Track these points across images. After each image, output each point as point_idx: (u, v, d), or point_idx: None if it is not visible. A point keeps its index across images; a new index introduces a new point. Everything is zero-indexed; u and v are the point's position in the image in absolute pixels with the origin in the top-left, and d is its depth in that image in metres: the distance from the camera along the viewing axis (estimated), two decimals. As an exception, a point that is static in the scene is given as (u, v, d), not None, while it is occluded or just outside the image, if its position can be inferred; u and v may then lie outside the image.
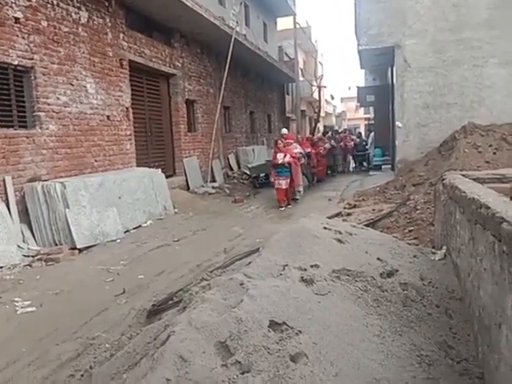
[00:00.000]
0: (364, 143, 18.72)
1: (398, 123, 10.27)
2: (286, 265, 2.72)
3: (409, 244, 4.20)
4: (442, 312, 2.64)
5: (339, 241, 3.03)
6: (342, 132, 20.90)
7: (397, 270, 2.88)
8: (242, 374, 1.90)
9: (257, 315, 2.15)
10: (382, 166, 15.69)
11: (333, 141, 16.31)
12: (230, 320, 2.11)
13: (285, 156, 9.38)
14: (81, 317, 3.94)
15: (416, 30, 9.91)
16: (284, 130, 11.62)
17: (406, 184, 8.20)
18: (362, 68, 15.98)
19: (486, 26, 9.43)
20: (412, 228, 5.17)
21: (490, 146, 7.66)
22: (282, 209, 9.25)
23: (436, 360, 2.26)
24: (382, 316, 2.50)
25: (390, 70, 13.22)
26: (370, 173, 15.16)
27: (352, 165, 18.48)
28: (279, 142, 9.67)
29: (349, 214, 7.06)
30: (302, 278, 2.54)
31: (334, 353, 2.10)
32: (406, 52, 10.05)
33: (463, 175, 3.83)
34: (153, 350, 2.24)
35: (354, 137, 19.44)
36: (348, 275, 2.67)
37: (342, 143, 17.21)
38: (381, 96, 16.34)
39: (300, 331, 2.14)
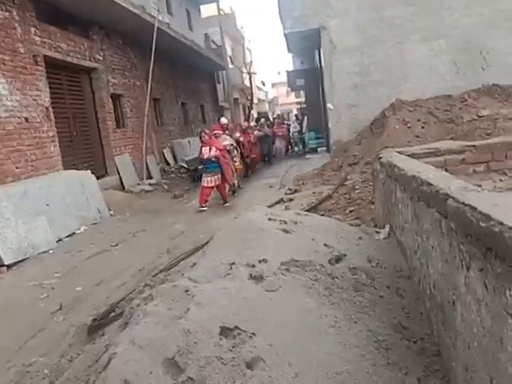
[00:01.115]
0: (301, 126, 19.04)
1: (329, 105, 10.38)
2: (233, 263, 2.58)
3: (351, 225, 4.22)
4: (393, 293, 2.62)
5: (285, 231, 2.92)
6: (275, 119, 21.22)
7: (344, 255, 2.84)
8: (196, 390, 1.74)
9: (206, 324, 1.99)
10: (318, 149, 15.95)
11: (266, 128, 16.23)
12: (177, 333, 1.94)
13: (210, 150, 8.40)
14: (14, 342, 3.59)
15: (339, 10, 9.98)
16: (223, 120, 10.95)
17: (342, 165, 8.32)
18: (289, 52, 16.01)
19: (405, 3, 9.68)
20: (352, 208, 5.22)
21: (418, 120, 7.93)
22: (204, 208, 8.25)
23: (393, 343, 2.23)
24: (336, 305, 2.43)
25: (317, 52, 13.33)
26: (307, 156, 15.34)
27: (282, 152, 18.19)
28: (203, 134, 8.70)
29: (290, 200, 7.04)
30: (251, 275, 2.41)
31: (291, 352, 1.99)
32: (332, 33, 10.11)
33: (399, 152, 3.87)
34: (94, 375, 2.02)
35: (290, 122, 19.83)
36: (297, 266, 2.58)
37: (273, 131, 17.27)
38: (310, 79, 16.53)
39: (254, 334, 2.01)
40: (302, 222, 3.14)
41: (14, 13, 7.97)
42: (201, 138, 8.68)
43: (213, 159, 8.31)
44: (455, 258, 1.77)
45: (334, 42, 10.11)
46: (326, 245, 2.85)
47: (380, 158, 3.70)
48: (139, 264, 5.27)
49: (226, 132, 10.28)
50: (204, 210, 8.20)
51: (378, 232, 3.43)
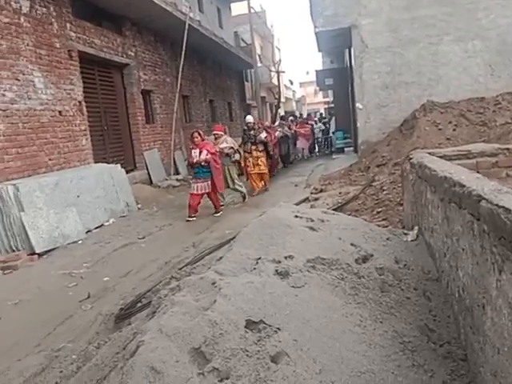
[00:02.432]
0: (327, 126, 18.82)
1: (358, 105, 10.28)
2: (259, 258, 2.59)
3: (379, 226, 4.17)
4: (420, 295, 2.59)
5: (312, 229, 2.92)
6: (298, 118, 20.74)
7: (372, 255, 2.81)
8: (221, 381, 1.76)
9: (232, 316, 2.01)
10: (345, 149, 15.81)
11: (286, 128, 15.10)
12: (204, 324, 1.96)
13: (200, 153, 7.40)
14: (43, 327, 3.70)
15: (371, 9, 9.88)
16: (249, 118, 10.09)
17: (370, 165, 8.23)
18: (319, 51, 15.94)
19: (439, 3, 9.51)
20: (380, 209, 5.16)
21: (450, 122, 7.78)
22: (193, 218, 7.38)
23: (419, 345, 2.21)
24: (361, 304, 2.42)
25: (347, 51, 13.21)
26: (334, 156, 15.23)
27: (305, 152, 17.19)
28: (196, 135, 7.59)
29: (316, 199, 7.02)
30: (277, 270, 2.42)
31: (315, 348, 1.99)
32: (363, 32, 10.02)
33: (429, 153, 3.80)
34: (122, 361, 2.07)
35: (313, 123, 19.16)
36: (323, 264, 2.57)
37: (295, 130, 16.06)
38: (339, 78, 16.39)
39: (279, 328, 2.02)
40: (328, 220, 3.13)
41: (52, 9, 8.20)
42: (192, 138, 7.67)
43: (203, 163, 7.39)
44: (487, 260, 1.74)
45: (365, 42, 10.01)
46: (352, 244, 2.84)
47: (410, 158, 3.65)
48: (165, 257, 5.36)
49: (251, 132, 9.48)
50: (191, 220, 7.35)
51: (406, 233, 3.39)
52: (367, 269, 2.65)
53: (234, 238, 4.48)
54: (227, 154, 8.34)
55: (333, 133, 17.90)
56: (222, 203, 8.12)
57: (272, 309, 2.14)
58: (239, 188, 8.63)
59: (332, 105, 23.03)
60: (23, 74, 7.29)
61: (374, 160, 8.39)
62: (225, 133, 9.21)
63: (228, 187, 8.44)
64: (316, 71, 19.49)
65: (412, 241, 3.25)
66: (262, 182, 9.64)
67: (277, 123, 17.38)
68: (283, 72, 28.65)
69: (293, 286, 2.34)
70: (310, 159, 16.44)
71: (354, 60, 10.39)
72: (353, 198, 6.23)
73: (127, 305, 3.64)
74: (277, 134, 13.23)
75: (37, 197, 6.13)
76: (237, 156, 8.65)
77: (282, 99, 30.23)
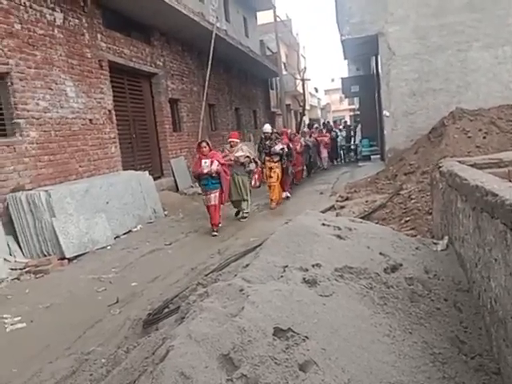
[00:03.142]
0: (352, 134, 18.60)
1: (385, 112, 10.20)
2: (286, 266, 2.59)
3: (407, 235, 4.11)
4: (450, 306, 2.54)
5: (339, 237, 2.91)
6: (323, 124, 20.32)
7: (401, 264, 2.78)
8: (249, 388, 1.77)
9: (260, 323, 2.02)
10: (371, 157, 15.66)
11: (308, 137, 14.65)
12: (232, 330, 1.97)
13: (211, 163, 6.99)
14: (74, 331, 3.79)
15: (398, 16, 9.83)
16: (266, 127, 9.45)
17: (398, 173, 8.13)
18: (345, 58, 15.89)
19: (468, 9, 9.39)
20: (408, 218, 5.08)
21: (480, 130, 7.62)
22: (216, 233, 6.98)
23: (449, 357, 2.16)
24: (390, 314, 2.39)
25: (373, 58, 13.14)
26: (360, 164, 15.11)
27: (325, 161, 16.19)
28: (203, 144, 7.17)
29: (342, 207, 6.97)
30: (304, 279, 2.42)
31: (344, 358, 1.98)
32: (390, 39, 9.97)
33: (459, 161, 3.74)
34: (151, 366, 2.10)
35: (337, 130, 18.71)
36: (351, 273, 2.56)
37: (314, 138, 15.26)
38: (365, 86, 16.30)
39: (307, 337, 2.01)
40: (356, 228, 3.10)
41: (84, 20, 8.45)
42: (200, 148, 7.17)
43: (214, 174, 6.99)
44: (521, 271, 1.70)
45: (392, 49, 9.94)
46: (381, 253, 2.81)
47: (440, 167, 3.59)
48: (191, 263, 5.42)
49: (267, 142, 8.97)
50: (217, 234, 6.99)
51: (435, 243, 3.33)
52: (396, 278, 2.62)
53: (259, 245, 4.50)
54: (242, 163, 7.87)
55: (360, 141, 17.71)
56: (246, 215, 7.90)
57: (300, 317, 2.13)
58: (246, 206, 8.00)
59: (358, 112, 22.85)
60: (56, 84, 7.53)
61: (402, 168, 8.28)
62: (240, 139, 8.95)
63: (238, 200, 7.95)
64: (342, 78, 19.40)
65: (442, 250, 3.19)
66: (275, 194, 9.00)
67: (305, 129, 17.32)
68: (308, 80, 28.64)
69: (321, 295, 2.33)
70: (331, 168, 15.91)
71: (381, 67, 10.32)
72: (380, 206, 6.17)
73: (155, 310, 3.69)
74: (302, 141, 12.92)
75: (67, 203, 6.30)
76: (252, 166, 8.06)
77: (307, 107, 30.20)
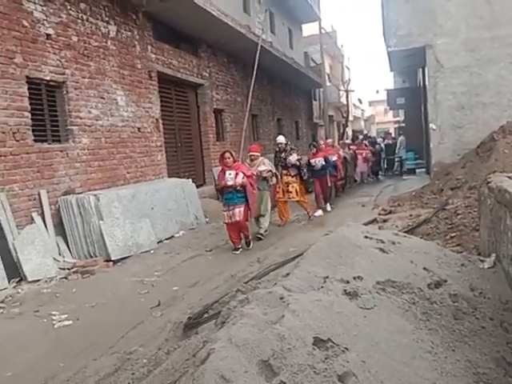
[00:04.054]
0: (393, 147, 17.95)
1: (431, 125, 9.97)
2: (327, 277, 2.60)
3: (452, 251, 4.00)
4: (496, 325, 2.46)
5: (382, 250, 2.88)
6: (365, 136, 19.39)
7: (445, 281, 2.71)
8: (288, 395, 1.79)
9: (300, 332, 2.03)
10: (416, 170, 15.31)
11: (346, 149, 13.99)
12: (272, 337, 2.00)
13: (236, 175, 6.42)
14: (117, 330, 3.92)
15: (447, 28, 9.63)
16: (280, 138, 8.69)
17: (444, 188, 7.90)
18: (391, 70, 15.68)
19: (522, 21, 9.08)
20: (454, 234, 4.94)
21: (532, 145, 7.30)
22: (237, 252, 6.50)
23: (494, 378, 2.10)
24: (433, 330, 2.34)
25: (420, 71, 12.91)
26: (404, 177, 14.80)
27: (364, 176, 15.15)
28: (226, 155, 6.53)
29: (384, 221, 6.84)
30: (345, 290, 2.41)
31: (383, 372, 1.96)
32: (438, 52, 9.78)
33: (509, 177, 3.62)
34: (192, 368, 2.15)
35: (380, 142, 17.68)
36: (394, 287, 2.53)
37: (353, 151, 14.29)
38: (411, 98, 16.03)
39: (346, 348, 2.01)
40: (400, 242, 3.06)
41: (135, 32, 8.82)
42: (223, 159, 6.58)
43: (238, 188, 6.42)
44: None
45: (440, 61, 9.74)
46: (425, 268, 2.76)
47: (488, 182, 3.49)
48: (231, 270, 5.49)
49: (282, 154, 8.34)
50: (238, 252, 6.52)
51: (482, 260, 3.23)
52: (440, 295, 2.56)
53: (299, 255, 4.51)
54: (264, 178, 7.35)
55: (395, 153, 17.16)
56: (262, 232, 7.28)
57: (340, 328, 2.13)
58: (263, 221, 7.44)
59: (403, 124, 22.44)
60: (108, 93, 7.88)
61: (448, 182, 8.05)
62: (261, 152, 7.98)
63: (260, 215, 7.42)
64: (387, 90, 19.18)
65: (489, 268, 3.09)
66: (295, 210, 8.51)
67: (347, 141, 17.00)
68: (352, 91, 28.46)
69: (361, 307, 2.32)
70: (370, 183, 14.85)
71: (428, 80, 10.12)
72: (424, 221, 6.02)
73: (195, 314, 3.76)
74: (341, 153, 12.38)
75: (115, 207, 6.54)
76: (274, 180, 7.61)
77: (350, 118, 29.95)
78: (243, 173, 6.50)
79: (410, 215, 6.84)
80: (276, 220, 8.31)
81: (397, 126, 32.73)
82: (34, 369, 3.36)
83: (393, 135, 23.03)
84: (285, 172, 8.24)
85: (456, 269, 2.94)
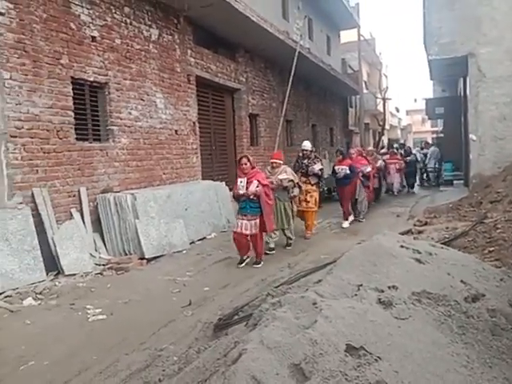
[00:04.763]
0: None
1: (471, 136, 9.72)
2: (361, 285, 2.58)
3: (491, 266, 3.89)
4: (537, 344, 2.37)
5: (418, 261, 2.83)
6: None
7: (483, 295, 2.64)
8: (319, 400, 1.79)
9: (333, 338, 2.02)
10: (454, 182, 14.92)
11: (384, 157, 13.40)
12: (305, 341, 2.00)
13: (250, 183, 5.88)
14: (149, 327, 4.00)
15: (492, 37, 9.39)
16: (306, 143, 8.18)
17: (483, 201, 7.68)
18: (431, 79, 15.38)
19: None
20: (492, 248, 4.78)
21: None
22: (242, 265, 6.02)
23: (534, 399, 2.02)
24: (469, 345, 2.28)
25: (461, 80, 12.61)
26: (441, 188, 14.45)
27: (396, 187, 14.06)
28: (243, 160, 6.05)
29: (420, 232, 6.70)
30: (380, 299, 2.38)
31: (416, 383, 1.93)
32: (481, 61, 9.54)
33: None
34: (223, 367, 2.18)
35: (416, 152, 16.78)
36: (429, 298, 2.48)
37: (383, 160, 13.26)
38: (451, 108, 15.66)
39: (379, 357, 1.99)
40: (437, 253, 3.00)
41: (176, 36, 9.01)
42: (240, 164, 6.12)
43: (252, 197, 5.90)
44: None
45: (482, 71, 9.50)
46: (462, 281, 2.69)
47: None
48: (261, 274, 5.51)
49: (305, 161, 7.86)
50: (242, 265, 6.03)
51: (522, 276, 3.12)
52: (477, 309, 2.50)
53: (330, 263, 4.48)
54: (285, 188, 6.87)
55: (434, 164, 16.64)
56: (269, 248, 6.71)
57: (373, 337, 2.11)
58: (289, 233, 7.06)
59: (441, 135, 21.93)
60: (147, 95, 8.07)
61: (487, 195, 7.81)
62: (283, 160, 7.33)
63: (282, 228, 6.97)
64: (426, 99, 18.82)
65: (530, 285, 2.99)
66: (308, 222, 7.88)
67: (383, 150, 16.54)
68: (389, 99, 28.04)
69: (396, 317, 2.29)
70: (402, 195, 13.99)
71: (470, 89, 9.89)
72: (461, 234, 5.86)
73: (225, 316, 3.79)
74: (378, 163, 12.13)
75: (150, 207, 6.68)
76: (296, 191, 7.09)
77: (387, 126, 29.52)
78: (258, 181, 5.92)
79: (447, 227, 6.67)
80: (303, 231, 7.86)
81: (435, 136, 32.04)
82: (68, 359, 3.47)
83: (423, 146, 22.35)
84: (304, 179, 7.76)
85: (495, 283, 2.85)
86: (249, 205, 5.91)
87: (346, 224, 8.73)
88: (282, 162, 7.10)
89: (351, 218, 8.95)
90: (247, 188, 5.86)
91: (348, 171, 8.58)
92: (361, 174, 9.18)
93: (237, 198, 6.12)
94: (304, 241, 7.54)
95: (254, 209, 5.90)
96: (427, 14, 10.33)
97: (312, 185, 7.80)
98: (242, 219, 5.92)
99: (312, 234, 7.85)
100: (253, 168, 6.09)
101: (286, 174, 6.91)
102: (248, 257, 6.14)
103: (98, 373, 3.23)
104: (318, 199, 7.91)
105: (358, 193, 9.07)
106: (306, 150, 7.92)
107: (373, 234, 3.76)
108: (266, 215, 5.97)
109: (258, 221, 5.90)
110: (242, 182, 5.93)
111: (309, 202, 7.75)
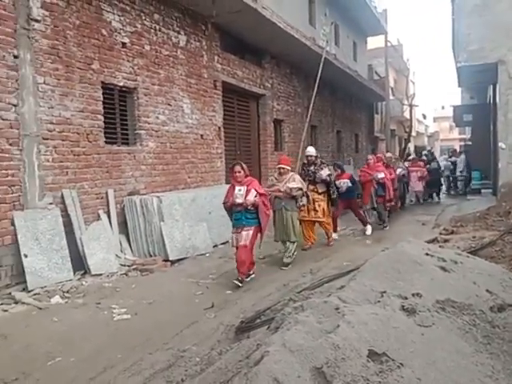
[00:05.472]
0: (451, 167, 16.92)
1: (501, 144, 9.52)
2: (385, 291, 2.57)
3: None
4: None
5: (443, 269, 2.80)
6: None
7: (509, 305, 2.60)
8: (340, 404, 1.80)
9: (355, 343, 2.03)
10: (482, 190, 14.60)
11: (406, 165, 13.04)
12: (327, 345, 2.01)
13: (248, 192, 5.44)
14: (172, 328, 4.07)
15: (523, 44, 9.20)
16: (310, 149, 7.69)
17: (511, 210, 7.50)
18: (459, 86, 15.14)
19: None
20: (521, 259, 4.69)
21: None
22: (241, 284, 5.29)
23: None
24: (494, 355, 2.25)
25: (491, 87, 12.37)
26: (468, 197, 14.16)
27: (420, 195, 13.74)
28: (237, 168, 5.58)
29: (446, 241, 6.60)
30: (403, 306, 2.38)
31: (440, 392, 1.92)
32: (511, 68, 9.35)
33: None
34: (245, 368, 2.20)
35: (440, 160, 16.27)
36: (454, 307, 2.46)
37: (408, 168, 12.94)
38: (479, 115, 15.38)
39: (402, 364, 1.99)
40: (462, 262, 2.97)
41: (204, 43, 9.16)
42: (233, 171, 5.66)
43: (249, 207, 5.42)
44: None
45: (513, 77, 9.31)
46: (488, 291, 2.66)
47: None
48: (283, 279, 5.51)
49: (311, 168, 7.46)
50: (241, 285, 5.30)
51: (551, 288, 3.05)
52: (503, 319, 2.46)
53: (353, 269, 4.46)
54: (293, 197, 6.43)
55: (460, 172, 16.34)
56: (285, 264, 6.24)
57: (396, 344, 2.11)
58: (291, 247, 6.43)
59: (469, 142, 21.51)
60: (175, 100, 8.22)
61: (517, 205, 7.64)
62: (290, 166, 6.84)
63: (287, 240, 6.45)
64: (453, 106, 18.49)
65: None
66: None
67: (410, 157, 16.24)
68: (416, 106, 27.67)
69: (419, 325, 2.28)
70: (427, 204, 13.64)
71: (499, 97, 9.70)
72: (489, 243, 5.75)
73: (247, 319, 3.82)
74: (398, 171, 11.49)
75: (175, 210, 6.79)
76: (304, 200, 6.68)
77: (413, 133, 29.13)
78: (255, 190, 5.50)
79: (474, 237, 6.55)
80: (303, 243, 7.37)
81: (462, 143, 31.44)
82: (94, 357, 3.56)
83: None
84: (312, 188, 7.35)
85: (522, 294, 2.80)
86: (244, 216, 5.43)
87: (369, 231, 8.62)
88: (289, 169, 6.70)
89: (369, 226, 8.71)
90: (245, 197, 5.40)
91: (350, 184, 8.25)
92: (375, 182, 8.83)
93: (230, 208, 5.62)
94: (327, 247, 7.51)
95: (250, 220, 5.44)
96: (456, 21, 10.21)
97: (320, 193, 7.43)
98: (237, 233, 5.47)
99: (332, 241, 7.65)
100: (246, 176, 5.61)
101: (294, 182, 6.47)
102: (253, 272, 5.70)
103: (122, 371, 3.30)
104: (326, 209, 7.49)
105: (373, 202, 8.84)
106: (311, 156, 7.52)
107: (397, 242, 3.73)
108: (263, 226, 5.56)
109: (251, 232, 5.42)
110: (240, 190, 5.46)
111: (317, 211, 7.36)
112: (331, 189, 7.54)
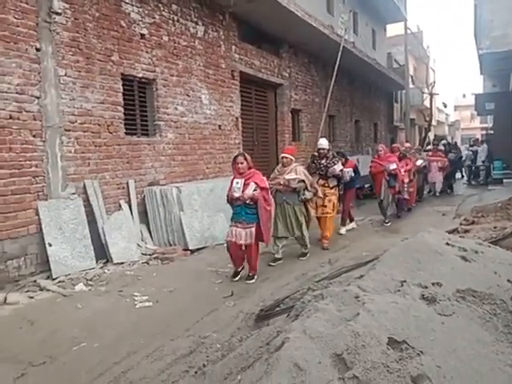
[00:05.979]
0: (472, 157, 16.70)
1: (524, 133, 9.31)
2: (404, 281, 2.58)
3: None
4: None
5: (464, 258, 2.80)
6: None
7: (531, 295, 2.58)
8: (360, 389, 1.83)
9: (375, 331, 2.05)
10: (504, 180, 14.35)
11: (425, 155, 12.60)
12: (347, 333, 2.04)
13: (247, 186, 5.16)
14: (192, 315, 4.15)
15: (549, 29, 8.95)
16: (322, 142, 7.32)
17: (534, 200, 7.37)
18: (481, 74, 14.82)
19: None
20: (543, 249, 4.61)
21: None
22: (236, 279, 5.27)
23: None
24: (515, 345, 2.25)
25: (514, 74, 12.08)
26: (489, 187, 13.94)
27: (438, 186, 13.30)
28: (239, 159, 5.34)
29: (466, 231, 6.53)
30: (423, 295, 2.38)
31: (459, 379, 1.93)
32: (536, 54, 9.12)
33: None
34: (266, 354, 2.25)
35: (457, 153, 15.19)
36: (474, 296, 2.45)
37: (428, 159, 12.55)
38: (502, 104, 15.05)
39: (422, 352, 2.00)
40: (483, 252, 2.95)
41: (221, 33, 9.15)
42: (235, 163, 5.40)
43: (248, 202, 5.15)
44: None
45: (538, 64, 9.07)
46: (509, 281, 2.64)
47: None
48: (302, 269, 5.56)
49: (322, 161, 7.10)
50: (236, 279, 5.28)
51: None
52: (525, 309, 2.45)
53: (372, 260, 4.46)
54: (295, 189, 6.09)
55: (482, 161, 16.11)
56: (274, 259, 6.00)
57: (416, 332, 2.12)
58: (305, 240, 6.23)
59: (491, 131, 21.08)
60: (193, 91, 8.26)
61: (539, 195, 7.50)
62: (294, 156, 6.49)
63: (286, 237, 6.20)
64: (475, 95, 18.12)
65: None
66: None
67: (429, 147, 16.03)
68: (437, 94, 27.16)
69: (439, 313, 2.28)
70: (444, 195, 13.12)
71: (523, 84, 9.47)
72: (510, 233, 5.67)
73: (267, 307, 3.87)
74: (419, 162, 11.33)
75: (194, 200, 6.86)
76: (308, 194, 6.19)
77: (434, 122, 28.64)
78: (256, 183, 5.18)
79: (495, 227, 6.46)
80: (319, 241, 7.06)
81: (484, 132, 30.82)
82: (117, 343, 3.66)
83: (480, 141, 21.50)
84: (322, 182, 7.02)
85: (544, 284, 2.77)
86: (244, 210, 5.14)
87: (388, 223, 8.58)
88: (293, 159, 6.31)
89: (352, 223, 8.37)
90: (243, 191, 5.14)
91: (352, 173, 7.87)
92: (386, 173, 8.61)
93: (231, 201, 5.37)
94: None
95: (249, 215, 5.14)
96: (478, 6, 9.97)
97: (331, 188, 7.04)
98: (236, 227, 5.16)
99: (329, 244, 6.92)
100: (249, 168, 5.33)
101: (295, 173, 6.10)
102: (243, 268, 5.40)
103: (145, 356, 3.39)
104: (335, 203, 7.09)
105: (382, 194, 8.59)
106: (324, 149, 7.14)
107: (416, 232, 3.72)
108: (263, 224, 5.20)
109: (253, 229, 5.12)
110: (238, 183, 5.21)
111: (326, 206, 6.93)
112: (340, 184, 7.29)
